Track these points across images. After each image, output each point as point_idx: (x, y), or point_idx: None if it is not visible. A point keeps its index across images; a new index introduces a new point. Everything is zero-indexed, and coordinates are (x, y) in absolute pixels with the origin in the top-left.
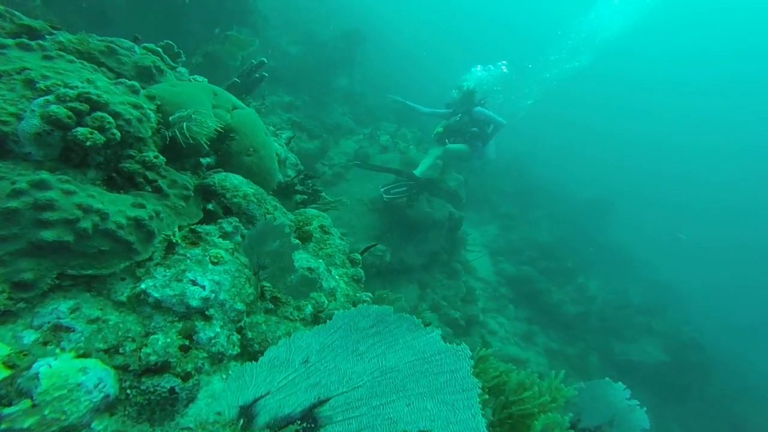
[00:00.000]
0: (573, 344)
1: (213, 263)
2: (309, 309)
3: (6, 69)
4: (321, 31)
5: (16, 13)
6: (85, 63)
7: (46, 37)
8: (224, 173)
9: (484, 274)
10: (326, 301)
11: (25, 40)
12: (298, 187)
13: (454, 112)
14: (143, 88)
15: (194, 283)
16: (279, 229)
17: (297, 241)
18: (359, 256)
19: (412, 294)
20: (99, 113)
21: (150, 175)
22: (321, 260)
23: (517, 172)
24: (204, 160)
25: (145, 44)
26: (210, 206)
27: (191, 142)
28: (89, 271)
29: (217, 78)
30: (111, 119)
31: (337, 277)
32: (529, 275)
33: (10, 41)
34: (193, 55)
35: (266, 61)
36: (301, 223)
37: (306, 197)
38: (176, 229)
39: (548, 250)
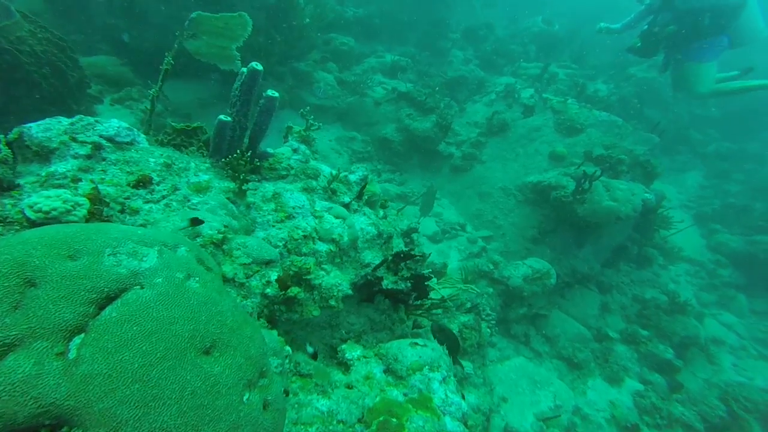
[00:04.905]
0: None
1: None
2: None
3: None
4: None
5: None
6: None
7: None
8: None
9: (690, 252)
10: None
11: None
12: (389, 284)
13: (649, 10)
14: None
15: None
16: None
17: None
18: None
19: (591, 309)
20: None
21: None
22: None
23: None
24: None
25: None
26: None
27: None
28: None
29: (208, 115)
30: None
31: None
32: None
33: None
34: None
35: (259, 67)
36: None
37: (410, 295)
38: None
39: None
